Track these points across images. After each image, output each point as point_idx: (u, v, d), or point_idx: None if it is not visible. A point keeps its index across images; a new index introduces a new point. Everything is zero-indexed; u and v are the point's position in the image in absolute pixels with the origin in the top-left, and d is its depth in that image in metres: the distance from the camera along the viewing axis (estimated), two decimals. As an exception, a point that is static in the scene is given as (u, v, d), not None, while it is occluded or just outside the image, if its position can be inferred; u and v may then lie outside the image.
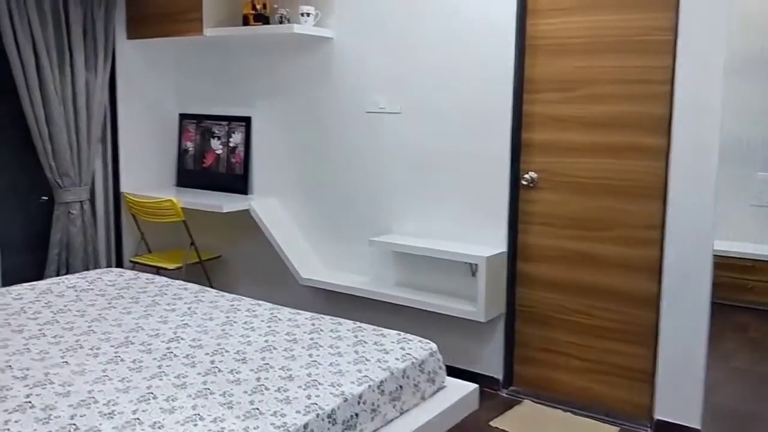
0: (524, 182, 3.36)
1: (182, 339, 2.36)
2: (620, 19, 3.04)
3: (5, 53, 3.63)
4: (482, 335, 3.47)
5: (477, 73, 3.37)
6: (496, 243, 3.39)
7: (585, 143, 3.18)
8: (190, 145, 4.55)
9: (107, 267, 4.14)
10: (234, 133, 4.33)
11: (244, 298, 2.88)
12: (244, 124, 4.28)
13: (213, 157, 4.44)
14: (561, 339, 3.32)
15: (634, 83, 3.03)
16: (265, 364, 2.14)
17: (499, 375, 3.46)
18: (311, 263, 3.98)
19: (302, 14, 3.69)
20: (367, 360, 2.20)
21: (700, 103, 2.83)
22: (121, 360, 2.16)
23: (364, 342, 2.36)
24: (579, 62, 3.16)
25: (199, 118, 4.51)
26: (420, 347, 2.35)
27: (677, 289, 2.93)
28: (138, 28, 4.19)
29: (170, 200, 3.92)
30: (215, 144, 4.42)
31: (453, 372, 2.70)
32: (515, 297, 3.45)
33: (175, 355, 2.20)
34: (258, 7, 3.80)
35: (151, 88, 4.44)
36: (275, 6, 3.89)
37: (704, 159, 2.83)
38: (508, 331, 3.45)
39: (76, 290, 2.97)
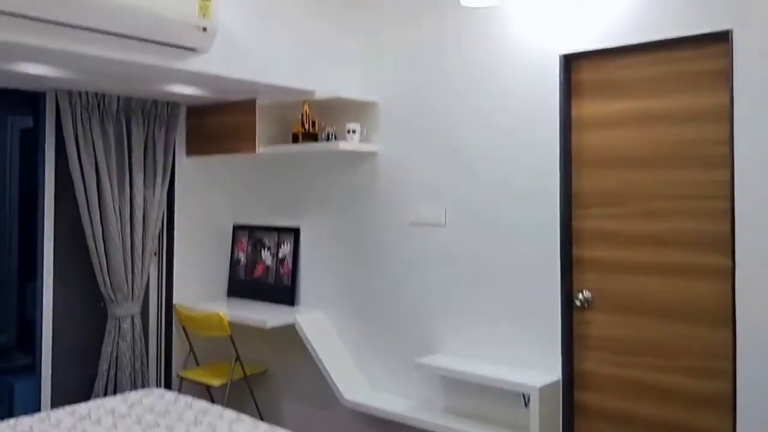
0: (578, 302, 3.16)
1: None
2: (668, 133, 2.91)
3: (69, 171, 3.83)
4: (537, 469, 3.19)
5: (522, 185, 3.28)
6: (550, 369, 3.16)
7: (640, 261, 2.99)
8: (242, 256, 4.60)
9: (156, 381, 4.13)
10: (283, 244, 4.36)
11: (278, 429, 2.76)
12: (292, 234, 4.31)
13: (263, 268, 4.46)
14: (625, 477, 3.00)
15: (690, 198, 2.86)
16: None
17: None
18: (355, 382, 3.84)
19: (348, 131, 3.75)
20: None
21: (765, 220, 2.62)
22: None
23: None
24: (629, 176, 3.02)
25: (251, 229, 4.58)
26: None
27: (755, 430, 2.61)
28: (196, 147, 4.38)
29: (218, 314, 3.92)
30: (265, 255, 4.45)
31: None
32: (573, 431, 3.17)
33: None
34: (307, 126, 3.90)
35: (208, 201, 4.57)
36: (323, 125, 3.98)
37: (774, 283, 2.59)
38: (566, 466, 3.16)
39: (114, 415, 2.94)
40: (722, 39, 2.76)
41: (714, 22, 2.76)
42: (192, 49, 3.05)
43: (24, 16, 2.58)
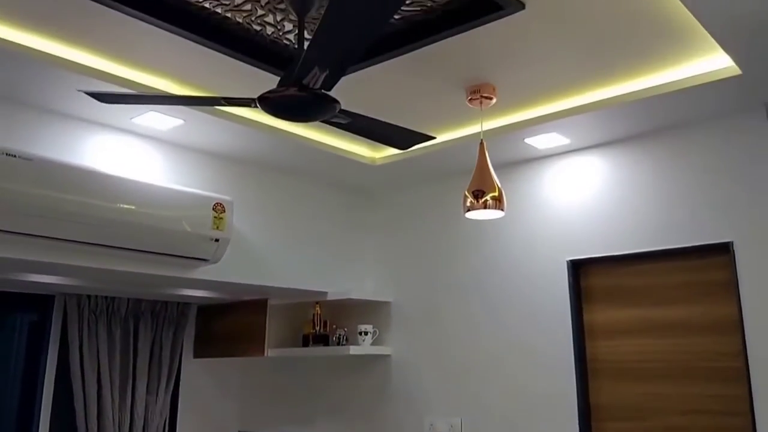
0: None
1: None
2: (682, 343, 2.80)
3: (69, 375, 3.67)
4: None
5: (539, 395, 3.10)
6: None
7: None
8: (246, 466, 4.27)
9: None
10: (292, 453, 4.06)
11: None
12: (302, 443, 4.02)
13: (269, 480, 4.11)
14: None
15: (707, 414, 2.69)
16: None
17: None
18: None
19: (360, 333, 3.64)
20: None
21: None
22: None
23: None
24: (645, 389, 2.88)
25: (257, 436, 4.30)
26: None
27: None
28: (204, 348, 4.25)
29: None
30: (272, 465, 4.12)
31: None
32: None
33: None
34: (318, 327, 3.81)
35: (213, 405, 4.34)
36: (334, 326, 3.89)
37: None
38: None
39: None
40: (724, 250, 2.75)
41: (715, 233, 2.76)
42: (204, 260, 3.05)
43: (37, 235, 2.60)
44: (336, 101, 1.97)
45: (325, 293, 3.66)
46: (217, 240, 3.02)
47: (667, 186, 2.93)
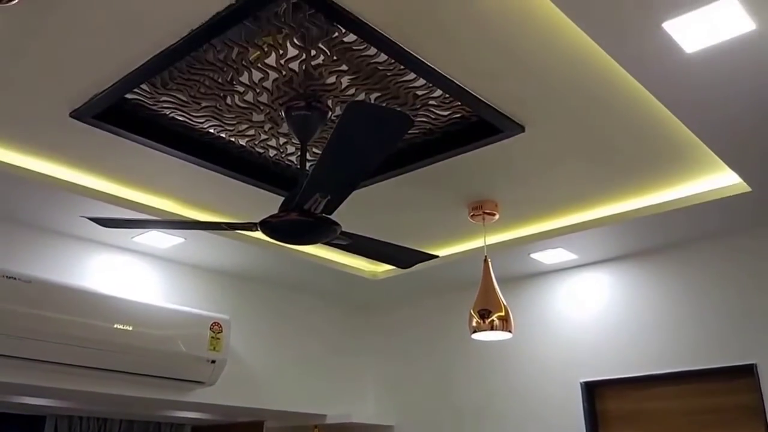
0: None
1: None
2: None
3: None
4: None
5: None
6: None
7: None
8: None
9: None
10: None
11: None
12: None
13: None
14: None
15: None
16: None
17: None
18: None
19: None
20: None
21: None
22: None
23: None
24: None
25: None
26: None
27: None
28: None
29: None
30: None
31: None
32: None
33: None
34: None
35: None
36: None
37: None
38: None
39: None
40: (748, 372, 2.62)
41: (736, 354, 2.65)
42: (200, 382, 2.93)
43: (33, 359, 2.51)
44: (337, 224, 1.95)
45: (324, 416, 3.50)
46: (213, 361, 2.92)
47: (681, 303, 2.85)
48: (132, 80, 1.89)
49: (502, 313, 2.54)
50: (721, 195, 2.47)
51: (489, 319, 2.53)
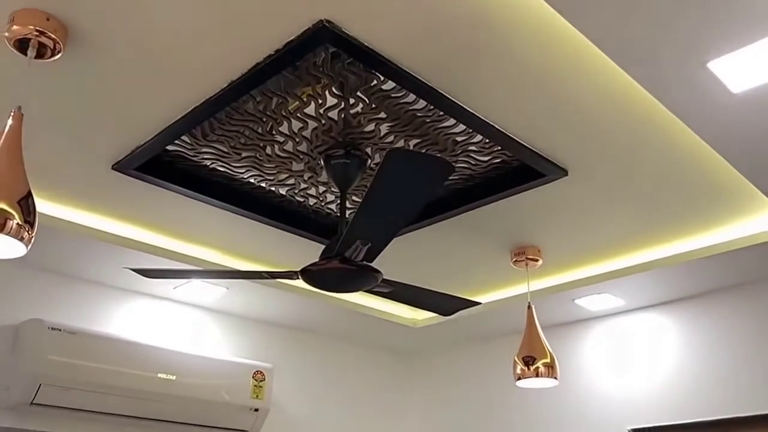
0: None
1: None
2: None
3: None
4: None
5: None
6: None
7: None
8: None
9: None
10: None
11: None
12: None
13: None
14: None
15: None
16: None
17: None
18: None
19: None
20: None
21: None
22: None
23: None
24: None
25: None
26: None
27: None
28: None
29: None
30: None
31: None
32: None
33: None
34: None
35: None
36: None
37: None
38: None
39: None
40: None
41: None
42: (243, 431, 2.90)
43: (78, 409, 2.52)
44: (378, 272, 1.93)
45: (368, 465, 3.42)
46: (256, 410, 2.89)
47: (734, 347, 2.72)
48: (173, 132, 1.92)
49: (548, 360, 2.47)
50: (775, 236, 2.38)
51: (534, 366, 2.46)
